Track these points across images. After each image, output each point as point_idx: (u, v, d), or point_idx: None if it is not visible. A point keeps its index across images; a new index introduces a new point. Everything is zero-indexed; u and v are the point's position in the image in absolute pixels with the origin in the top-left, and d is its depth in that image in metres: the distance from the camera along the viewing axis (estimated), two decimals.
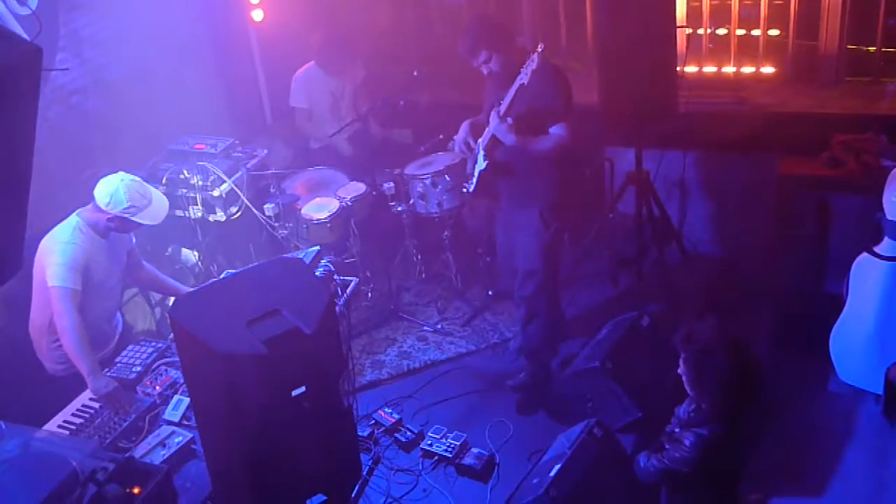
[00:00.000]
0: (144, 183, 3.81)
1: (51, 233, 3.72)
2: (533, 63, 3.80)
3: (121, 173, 3.75)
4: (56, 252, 3.63)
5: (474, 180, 4.36)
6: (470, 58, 4.08)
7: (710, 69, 5.73)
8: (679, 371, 3.31)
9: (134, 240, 4.08)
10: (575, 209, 5.43)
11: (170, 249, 4.93)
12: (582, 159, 5.39)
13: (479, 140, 4.29)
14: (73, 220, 3.74)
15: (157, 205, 3.79)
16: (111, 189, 3.66)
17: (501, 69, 4.06)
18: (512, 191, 4.35)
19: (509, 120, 3.98)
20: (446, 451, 4.12)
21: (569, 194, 4.41)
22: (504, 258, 4.61)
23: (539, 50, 3.77)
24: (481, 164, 4.25)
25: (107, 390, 3.54)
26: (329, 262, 3.81)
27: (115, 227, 3.74)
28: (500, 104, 4.05)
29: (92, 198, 3.70)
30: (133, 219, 3.69)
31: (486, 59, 4.05)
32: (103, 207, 3.66)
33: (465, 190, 4.52)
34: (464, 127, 4.42)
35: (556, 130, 4.04)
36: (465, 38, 4.07)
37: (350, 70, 5.72)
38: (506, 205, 4.46)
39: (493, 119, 4.04)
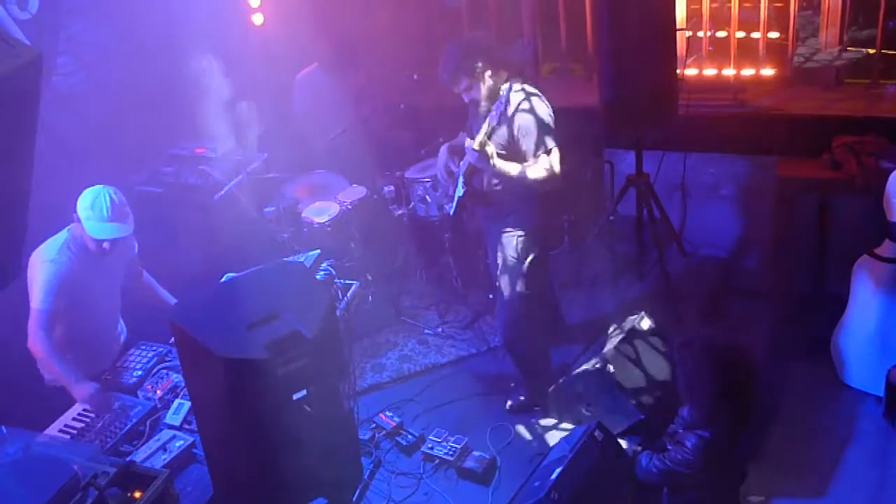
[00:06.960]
0: (118, 203, 3.63)
1: (40, 247, 3.69)
2: (501, 105, 3.65)
3: (104, 186, 3.67)
4: (39, 271, 3.62)
5: (454, 204, 4.27)
6: (451, 85, 3.86)
7: (710, 72, 5.73)
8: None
9: (136, 248, 4.04)
10: (558, 231, 5.34)
11: None
12: (578, 168, 5.36)
13: (461, 163, 4.13)
14: (62, 235, 3.73)
15: (113, 223, 3.61)
16: (84, 195, 3.64)
17: (484, 98, 3.85)
18: (493, 215, 4.18)
19: (485, 150, 3.73)
20: (447, 454, 4.11)
21: (552, 216, 4.25)
22: (495, 266, 4.57)
23: (509, 87, 3.62)
24: (460, 190, 4.14)
25: (88, 393, 3.56)
26: (329, 265, 3.82)
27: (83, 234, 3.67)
28: (475, 134, 3.83)
29: None
30: (86, 228, 3.62)
31: (468, 87, 3.84)
32: (76, 211, 3.65)
33: (446, 211, 4.42)
34: (443, 151, 4.26)
35: (541, 159, 3.80)
36: (445, 63, 3.82)
37: (351, 72, 5.72)
38: (487, 224, 4.30)
39: (468, 148, 3.83)
